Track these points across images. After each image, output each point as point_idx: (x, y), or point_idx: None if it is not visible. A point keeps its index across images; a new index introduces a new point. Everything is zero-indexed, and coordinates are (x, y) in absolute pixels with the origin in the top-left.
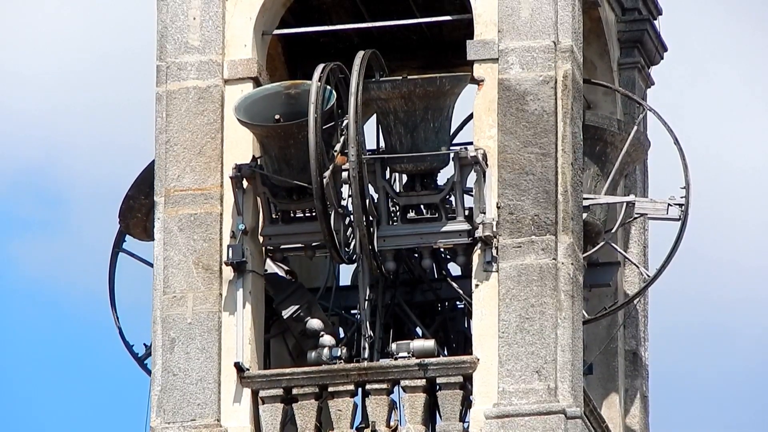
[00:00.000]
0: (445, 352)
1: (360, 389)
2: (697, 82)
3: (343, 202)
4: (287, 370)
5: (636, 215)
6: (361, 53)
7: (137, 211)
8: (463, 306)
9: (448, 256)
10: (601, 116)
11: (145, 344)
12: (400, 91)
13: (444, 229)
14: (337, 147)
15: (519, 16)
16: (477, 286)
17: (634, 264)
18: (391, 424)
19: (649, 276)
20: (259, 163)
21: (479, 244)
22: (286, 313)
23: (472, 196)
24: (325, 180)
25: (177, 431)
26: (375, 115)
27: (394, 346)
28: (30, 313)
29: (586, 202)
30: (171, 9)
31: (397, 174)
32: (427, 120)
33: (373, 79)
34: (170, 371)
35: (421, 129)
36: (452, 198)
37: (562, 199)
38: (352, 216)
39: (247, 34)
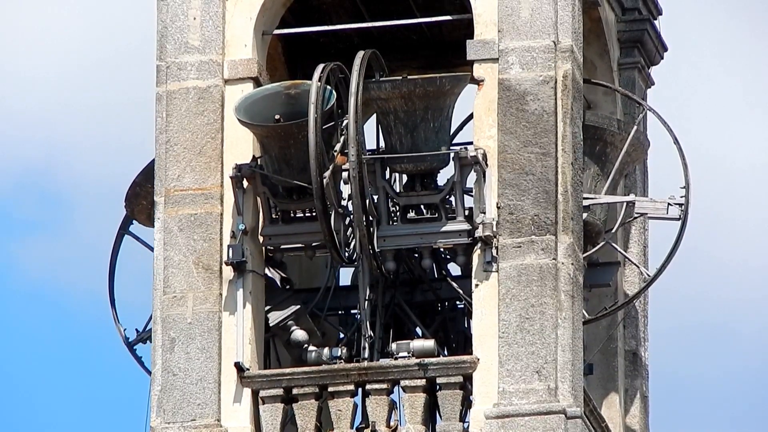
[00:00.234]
0: (445, 352)
1: (360, 389)
2: (697, 82)
3: (343, 202)
4: (287, 370)
5: (636, 215)
6: (361, 53)
7: (143, 198)
8: (463, 306)
9: (448, 256)
10: (601, 116)
11: (137, 329)
12: (400, 91)
13: (444, 229)
14: (337, 147)
15: (519, 16)
16: (477, 286)
17: (634, 264)
18: (391, 424)
19: (649, 276)
20: (259, 163)
21: (479, 244)
22: (272, 321)
23: (472, 196)
24: (325, 180)
25: (177, 431)
26: (375, 115)
27: (394, 346)
28: (31, 314)
29: (586, 202)
30: (171, 9)
31: (397, 174)
32: (427, 120)
33: (373, 79)
34: (170, 371)
35: (421, 129)
36: (452, 198)
37: (562, 199)
38: (352, 216)
39: (247, 34)
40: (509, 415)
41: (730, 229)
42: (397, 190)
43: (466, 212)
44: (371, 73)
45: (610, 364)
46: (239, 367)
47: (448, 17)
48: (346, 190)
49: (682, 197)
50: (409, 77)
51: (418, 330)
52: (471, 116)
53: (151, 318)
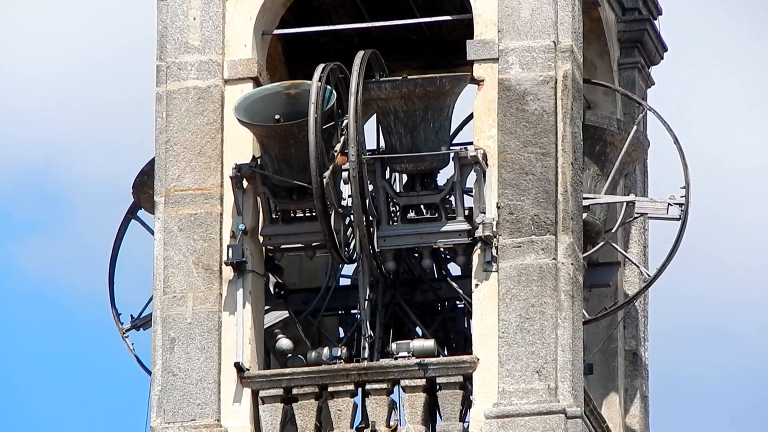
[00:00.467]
0: (445, 352)
1: (360, 389)
2: (697, 82)
3: (343, 202)
4: (287, 370)
5: (636, 215)
6: (361, 53)
7: (149, 187)
8: (463, 306)
9: (448, 256)
10: (601, 116)
11: (132, 316)
12: (400, 91)
13: (444, 229)
14: (337, 147)
15: (519, 16)
16: (477, 286)
17: (634, 264)
18: (391, 424)
19: (649, 276)
20: (259, 163)
21: (479, 244)
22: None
23: (472, 196)
24: (325, 180)
25: (177, 431)
26: (375, 115)
27: (394, 345)
28: (31, 314)
29: (586, 202)
30: (171, 9)
31: (397, 174)
32: (427, 120)
33: (373, 79)
34: (170, 371)
35: (421, 129)
36: (452, 198)
37: (562, 199)
38: (352, 216)
39: (247, 34)
40: (509, 415)
41: (730, 229)
42: (397, 190)
43: (466, 212)
44: (371, 73)
45: (610, 364)
46: (239, 367)
47: (448, 17)
48: (346, 190)
49: (682, 197)
50: (409, 77)
51: (418, 330)
52: (471, 116)
53: (146, 305)
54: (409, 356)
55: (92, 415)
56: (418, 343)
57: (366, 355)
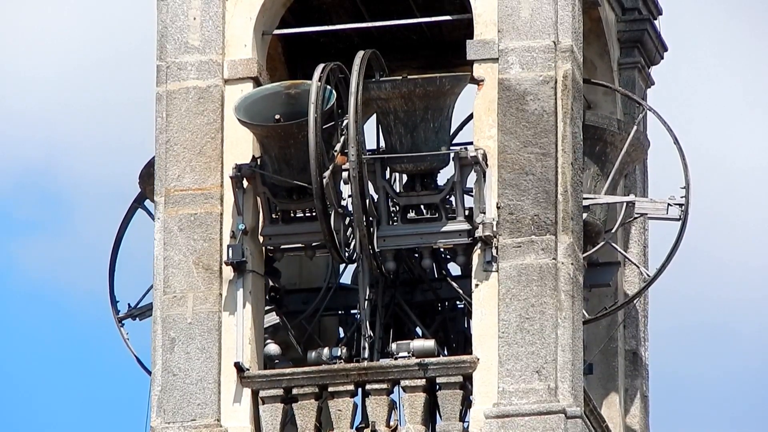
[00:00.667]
0: (445, 352)
1: (360, 389)
2: (697, 82)
3: (343, 202)
4: (287, 370)
5: (636, 215)
6: (361, 53)
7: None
8: (463, 306)
9: (448, 256)
10: (601, 116)
11: (129, 304)
12: (400, 91)
13: (444, 229)
14: (337, 147)
15: (519, 16)
16: (477, 286)
17: (634, 264)
18: (391, 424)
19: (649, 276)
20: (259, 163)
21: (479, 244)
22: None
23: (472, 196)
24: (325, 180)
25: (177, 431)
26: (375, 115)
27: (394, 346)
28: (31, 314)
29: (586, 202)
30: (171, 9)
31: (397, 174)
32: (427, 120)
33: (373, 79)
34: (170, 371)
35: (421, 129)
36: (452, 198)
37: (562, 199)
38: (352, 216)
39: (247, 34)
40: (509, 415)
41: (730, 229)
42: (397, 190)
43: (466, 212)
44: (371, 73)
45: (610, 364)
46: (239, 367)
47: (448, 17)
48: (346, 190)
49: (682, 197)
50: (409, 77)
51: (418, 330)
52: (471, 116)
53: (144, 296)
54: (409, 356)
55: (92, 415)
56: (418, 343)
57: (366, 355)
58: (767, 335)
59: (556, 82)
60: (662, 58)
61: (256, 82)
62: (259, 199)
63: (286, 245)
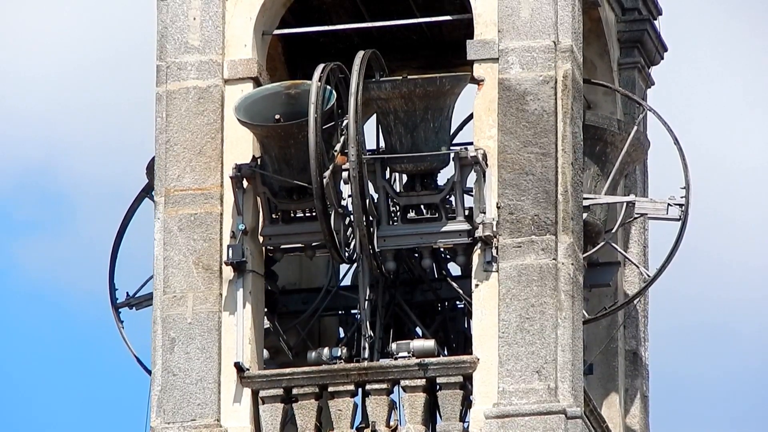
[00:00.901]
0: (445, 352)
1: (360, 389)
2: (697, 82)
3: (343, 202)
4: (287, 370)
5: (636, 215)
6: (361, 53)
7: None
8: (463, 306)
9: (448, 256)
10: (601, 116)
11: (127, 293)
12: (400, 91)
13: (444, 229)
14: (337, 147)
15: (519, 16)
16: (477, 286)
17: (634, 264)
18: (391, 424)
19: (649, 276)
20: (259, 163)
21: (479, 244)
22: None
23: (472, 196)
24: (325, 180)
25: (177, 431)
26: (375, 115)
27: (394, 346)
28: (31, 314)
29: (586, 202)
30: (171, 9)
31: (397, 174)
32: (427, 120)
33: (373, 79)
34: (170, 371)
35: (421, 129)
36: (452, 198)
37: (562, 199)
38: (352, 216)
39: (247, 34)
40: (509, 415)
41: (730, 229)
42: (397, 190)
43: (466, 212)
44: (371, 73)
45: (610, 364)
46: (239, 367)
47: (448, 17)
48: (346, 190)
49: (682, 197)
50: (409, 77)
51: (418, 330)
52: (471, 116)
53: (144, 285)
54: (409, 356)
55: (92, 415)
56: (418, 343)
57: (366, 355)
58: (767, 335)
59: (556, 82)
60: (662, 58)
61: (256, 82)
62: (259, 199)
63: (286, 245)
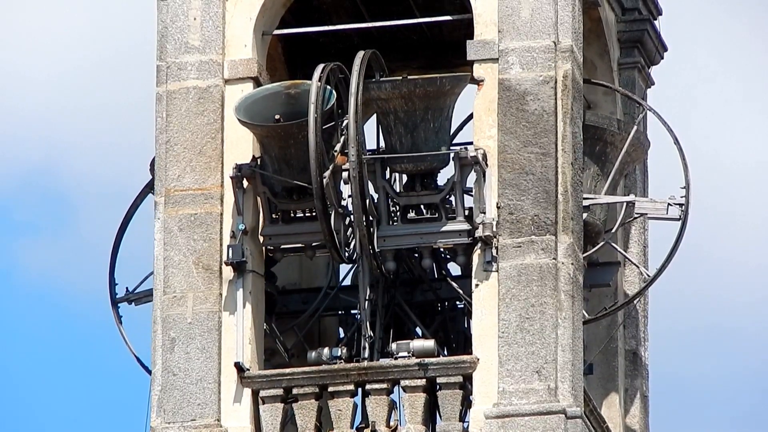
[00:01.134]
0: (445, 352)
1: (360, 389)
2: (697, 82)
3: (343, 202)
4: (287, 370)
5: (636, 215)
6: (361, 53)
7: None
8: (463, 306)
9: (448, 256)
10: (601, 116)
11: (127, 288)
12: (400, 91)
13: (444, 229)
14: (337, 147)
15: (519, 16)
16: (477, 286)
17: (634, 264)
18: (391, 424)
19: (649, 276)
20: (259, 163)
21: (479, 244)
22: None
23: (472, 196)
24: (325, 180)
25: (177, 431)
26: (375, 115)
27: (394, 346)
28: (32, 314)
29: (586, 202)
30: (171, 9)
31: (397, 174)
32: (427, 120)
33: (373, 79)
34: (170, 371)
35: (421, 129)
36: (452, 198)
37: (562, 199)
38: (352, 216)
39: (247, 34)
40: (509, 415)
41: (730, 229)
42: (397, 190)
43: (466, 212)
44: (371, 73)
45: (610, 364)
46: (239, 367)
47: (448, 17)
48: (346, 190)
49: (682, 197)
50: (409, 77)
51: (418, 330)
52: (471, 116)
53: (143, 281)
54: (409, 356)
55: (92, 415)
56: (418, 343)
57: (366, 355)
58: (767, 335)
59: (556, 82)
60: (662, 58)
61: (256, 82)
62: (259, 199)
63: (286, 245)
